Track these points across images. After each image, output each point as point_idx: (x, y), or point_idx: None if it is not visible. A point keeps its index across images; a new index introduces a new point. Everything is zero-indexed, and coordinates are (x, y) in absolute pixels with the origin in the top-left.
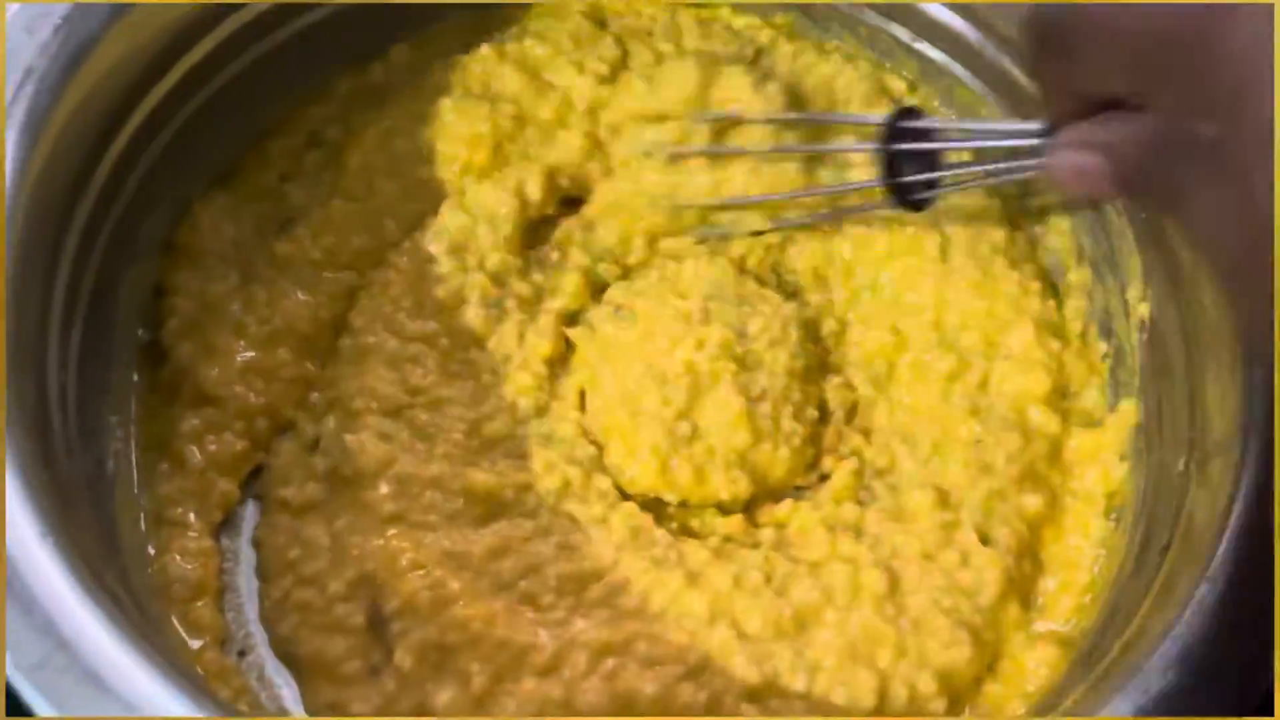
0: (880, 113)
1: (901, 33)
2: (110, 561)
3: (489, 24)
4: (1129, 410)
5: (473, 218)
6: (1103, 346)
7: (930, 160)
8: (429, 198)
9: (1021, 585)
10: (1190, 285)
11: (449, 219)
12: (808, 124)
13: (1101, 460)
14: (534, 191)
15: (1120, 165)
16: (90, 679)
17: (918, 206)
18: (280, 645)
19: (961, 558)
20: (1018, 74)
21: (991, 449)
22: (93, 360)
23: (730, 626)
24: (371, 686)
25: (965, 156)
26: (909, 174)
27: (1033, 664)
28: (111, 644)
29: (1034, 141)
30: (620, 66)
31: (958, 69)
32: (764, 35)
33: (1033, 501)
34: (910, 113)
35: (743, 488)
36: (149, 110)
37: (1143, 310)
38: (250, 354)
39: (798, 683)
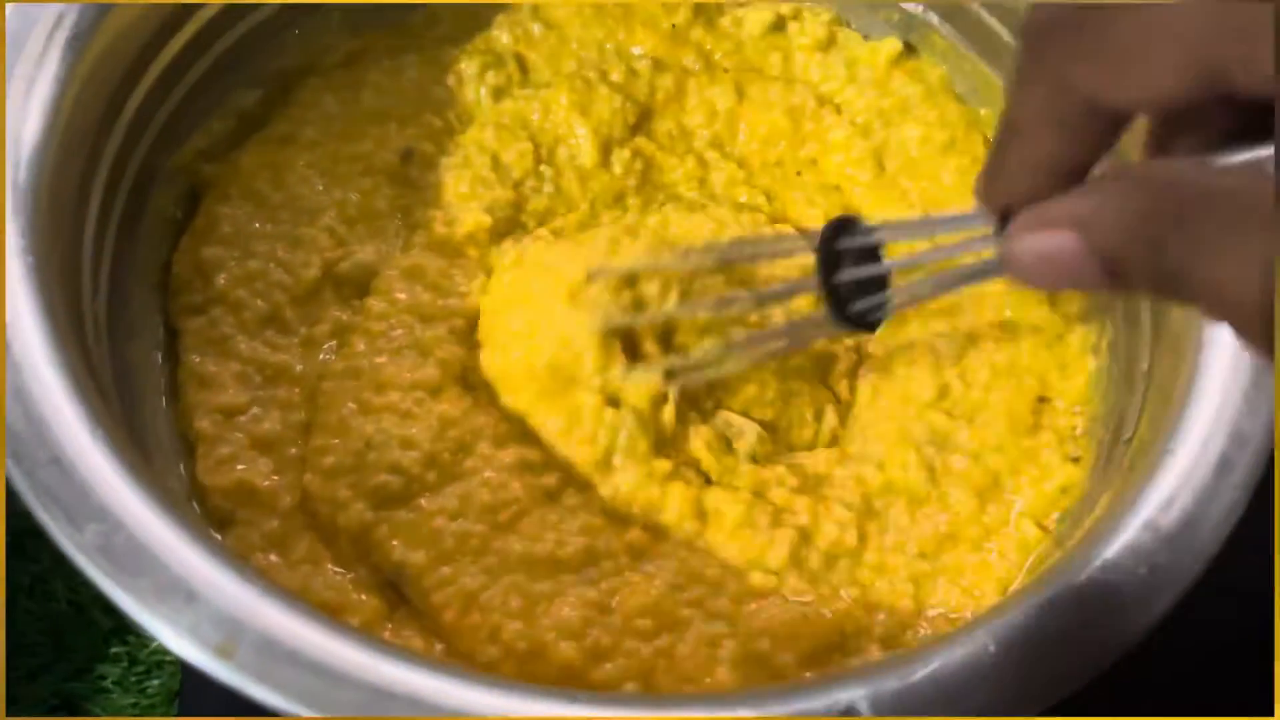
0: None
1: None
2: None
3: None
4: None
5: None
6: None
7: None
8: None
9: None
10: None
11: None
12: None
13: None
14: None
15: (1106, 240)
16: (143, 550)
17: (866, 324)
18: None
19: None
20: (993, 22)
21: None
22: (122, 285)
23: None
24: None
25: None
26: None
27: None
28: (160, 524)
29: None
30: None
31: (933, 19)
32: None
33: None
34: (846, 224)
35: None
36: (173, 54)
37: None
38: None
39: None
